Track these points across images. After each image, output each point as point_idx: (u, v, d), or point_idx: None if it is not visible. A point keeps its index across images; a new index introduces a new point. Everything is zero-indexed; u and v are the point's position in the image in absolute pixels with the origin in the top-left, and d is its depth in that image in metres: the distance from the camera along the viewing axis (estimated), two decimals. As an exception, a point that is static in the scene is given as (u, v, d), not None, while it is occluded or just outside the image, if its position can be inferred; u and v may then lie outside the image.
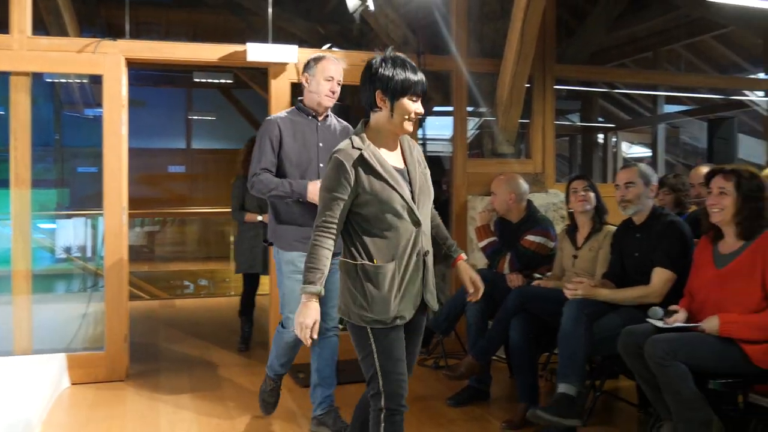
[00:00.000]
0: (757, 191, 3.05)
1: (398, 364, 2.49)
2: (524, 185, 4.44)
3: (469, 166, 5.35)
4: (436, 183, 6.52)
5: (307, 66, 3.54)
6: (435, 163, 7.78)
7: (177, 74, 12.80)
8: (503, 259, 4.27)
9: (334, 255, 2.49)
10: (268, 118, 3.56)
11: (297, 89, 4.93)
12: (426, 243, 2.55)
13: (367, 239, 2.46)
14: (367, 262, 2.45)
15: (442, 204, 6.04)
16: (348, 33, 8.67)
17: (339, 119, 3.73)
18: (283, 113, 3.59)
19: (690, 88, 8.94)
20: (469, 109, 5.45)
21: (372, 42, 7.59)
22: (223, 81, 11.34)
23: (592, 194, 4.01)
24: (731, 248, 3.10)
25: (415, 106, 2.47)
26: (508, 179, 4.43)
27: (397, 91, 2.42)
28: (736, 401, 3.13)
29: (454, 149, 5.36)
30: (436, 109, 8.37)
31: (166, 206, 13.56)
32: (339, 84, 3.55)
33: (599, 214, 4.02)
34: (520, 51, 4.94)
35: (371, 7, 5.08)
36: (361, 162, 2.43)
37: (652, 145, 9.68)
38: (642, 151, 12.37)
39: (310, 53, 5.03)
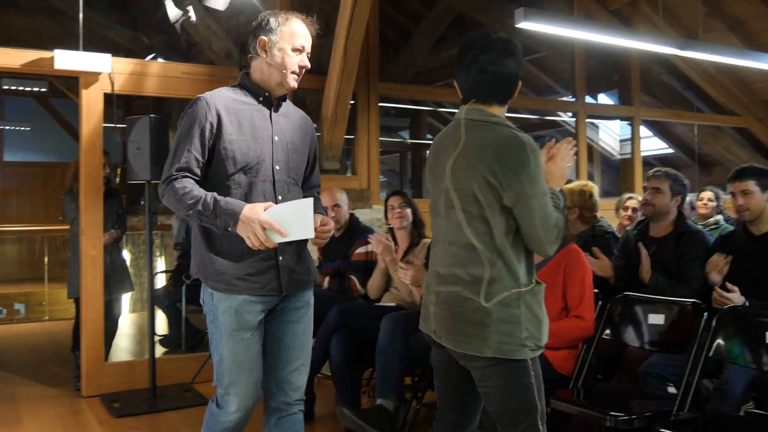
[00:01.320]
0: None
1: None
2: (344, 196, 4.51)
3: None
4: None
5: (265, 27, 2.41)
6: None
7: (-17, 80, 11.76)
8: (352, 282, 4.28)
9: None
10: (200, 96, 2.39)
11: (110, 100, 4.69)
12: None
13: (521, 256, 2.15)
14: (534, 285, 2.15)
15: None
16: (175, 44, 8.38)
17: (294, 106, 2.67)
18: (222, 91, 2.44)
19: (509, 108, 9.47)
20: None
21: (200, 54, 7.39)
22: (36, 89, 10.55)
23: (408, 210, 4.10)
24: (537, 259, 3.27)
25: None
26: (330, 192, 4.49)
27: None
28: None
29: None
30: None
31: (-26, 224, 12.39)
32: (308, 58, 2.49)
33: (417, 228, 4.13)
34: (343, 68, 4.98)
35: (193, 18, 4.93)
36: None
37: (477, 162, 10.16)
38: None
39: (127, 63, 4.85)
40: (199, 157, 2.33)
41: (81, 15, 4.85)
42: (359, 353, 3.86)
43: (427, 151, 10.94)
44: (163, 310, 5.93)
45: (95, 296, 4.63)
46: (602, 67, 7.86)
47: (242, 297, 2.33)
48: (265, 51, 2.40)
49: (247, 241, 2.21)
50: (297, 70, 2.42)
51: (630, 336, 3.12)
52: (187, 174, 2.30)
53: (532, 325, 2.11)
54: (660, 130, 9.25)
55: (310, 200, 2.19)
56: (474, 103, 2.21)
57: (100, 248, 4.68)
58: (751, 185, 3.30)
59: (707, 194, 5.46)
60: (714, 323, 2.82)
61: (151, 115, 4.37)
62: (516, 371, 2.10)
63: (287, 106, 2.53)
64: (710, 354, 2.80)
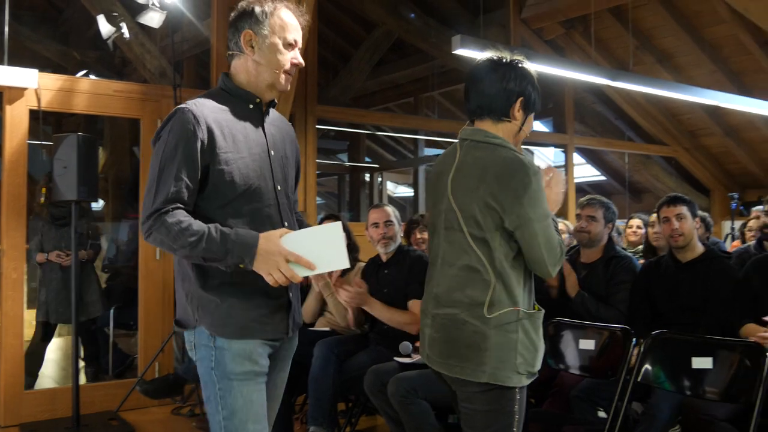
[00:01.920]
0: None
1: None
2: None
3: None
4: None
5: (250, 18, 2.03)
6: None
7: None
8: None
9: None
10: (182, 108, 1.95)
11: (37, 116, 4.53)
12: None
13: (521, 279, 2.09)
14: (533, 310, 2.09)
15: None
16: (108, 61, 8.19)
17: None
18: (204, 99, 2.02)
19: (446, 132, 9.60)
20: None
21: (134, 72, 7.23)
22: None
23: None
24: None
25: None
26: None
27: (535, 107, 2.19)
28: None
29: (214, 186, 5.19)
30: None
31: None
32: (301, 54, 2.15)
33: (351, 252, 4.08)
34: (281, 90, 4.93)
35: (126, 35, 4.81)
36: None
37: (414, 185, 10.22)
38: (406, 191, 13.01)
39: (55, 78, 4.69)
40: (191, 184, 1.91)
41: (6, 28, 4.69)
42: (291, 379, 3.77)
43: (366, 174, 10.95)
44: (87, 335, 5.71)
45: (15, 321, 4.42)
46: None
47: (255, 342, 1.98)
48: (252, 47, 2.01)
49: (268, 278, 1.88)
50: (290, 69, 2.06)
51: (561, 361, 3.14)
52: (179, 206, 1.89)
53: (527, 351, 2.05)
54: (592, 157, 9.49)
55: (338, 225, 1.92)
56: (477, 123, 2.17)
57: (22, 270, 4.49)
58: (685, 210, 3.40)
59: (636, 222, 5.59)
60: (642, 349, 2.86)
61: (79, 133, 4.24)
62: (504, 399, 2.05)
63: (273, 112, 2.15)
64: (639, 379, 2.83)
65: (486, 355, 2.02)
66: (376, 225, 3.75)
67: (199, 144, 1.91)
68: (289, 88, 2.11)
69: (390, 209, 3.79)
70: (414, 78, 8.67)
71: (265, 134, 2.07)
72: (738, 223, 6.24)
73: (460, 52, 4.54)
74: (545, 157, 10.71)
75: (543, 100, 7.91)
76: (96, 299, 5.15)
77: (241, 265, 1.87)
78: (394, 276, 3.69)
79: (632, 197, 9.68)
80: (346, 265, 1.92)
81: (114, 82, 4.99)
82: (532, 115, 2.19)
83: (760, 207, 5.58)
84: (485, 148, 2.09)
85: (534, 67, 5.02)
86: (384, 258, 3.77)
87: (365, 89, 8.84)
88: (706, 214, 4.87)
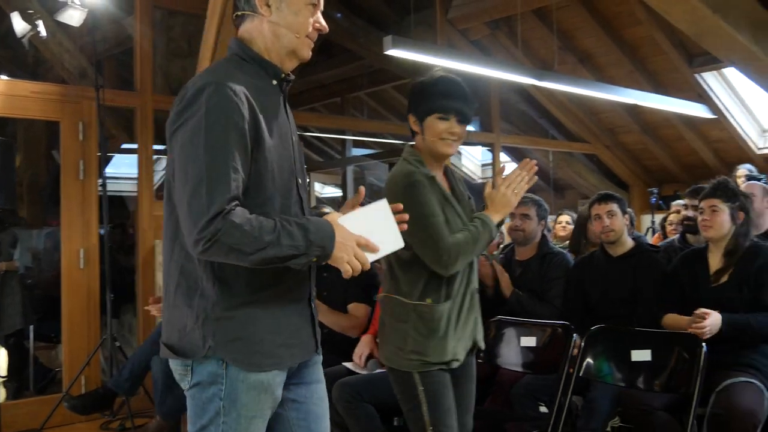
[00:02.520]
0: None
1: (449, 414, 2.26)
2: None
3: (157, 209, 5.05)
4: (120, 226, 6.12)
5: None
6: (119, 204, 7.28)
7: None
8: None
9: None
10: (217, 81, 1.61)
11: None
12: (475, 279, 2.38)
13: (420, 277, 2.25)
14: (422, 303, 2.25)
15: (127, 249, 5.66)
16: (22, 60, 7.81)
17: None
18: (231, 70, 1.69)
19: (374, 133, 9.59)
20: (159, 147, 5.18)
21: (49, 71, 6.92)
22: None
23: None
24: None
25: (449, 126, 2.29)
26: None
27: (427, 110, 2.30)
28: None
29: (140, 190, 5.03)
30: (124, 146, 7.88)
31: None
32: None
33: None
34: (208, 91, 4.80)
35: (43, 33, 4.59)
36: (432, 185, 2.26)
37: (342, 186, 10.18)
38: (333, 191, 12.95)
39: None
40: (245, 176, 1.60)
41: None
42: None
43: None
44: (6, 348, 5.44)
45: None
46: (464, 94, 8.11)
47: (274, 373, 1.68)
48: (268, 6, 1.72)
49: (345, 268, 1.64)
50: (312, 34, 1.78)
51: (503, 358, 3.17)
52: (239, 204, 1.57)
53: (419, 341, 2.21)
54: (517, 155, 9.66)
55: (385, 202, 1.76)
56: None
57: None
58: (615, 207, 3.49)
59: (565, 218, 5.72)
60: (583, 344, 2.92)
61: (-5, 137, 4.02)
62: (403, 382, 2.24)
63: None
64: (581, 374, 2.89)
65: (385, 341, 2.32)
66: None
67: (247, 127, 1.60)
68: (309, 57, 1.81)
69: (331, 212, 3.74)
70: (341, 78, 8.63)
71: (287, 114, 1.81)
72: (658, 217, 6.47)
73: (391, 52, 4.54)
74: (472, 156, 10.87)
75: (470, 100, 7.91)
76: (18, 311, 4.90)
77: (315, 259, 1.60)
78: (333, 279, 3.65)
79: (556, 194, 9.92)
80: (401, 244, 1.75)
81: (31, 82, 4.76)
82: (431, 118, 2.30)
83: (680, 201, 5.80)
84: (398, 163, 2.38)
85: (463, 67, 5.03)
86: (323, 260, 3.72)
87: (291, 89, 8.73)
88: (630, 210, 5.02)
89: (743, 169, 5.95)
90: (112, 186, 6.72)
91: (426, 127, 2.31)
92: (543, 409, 3.19)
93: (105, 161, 4.79)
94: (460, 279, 2.30)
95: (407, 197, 2.12)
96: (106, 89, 4.65)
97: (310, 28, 1.76)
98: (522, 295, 3.62)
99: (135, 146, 5.14)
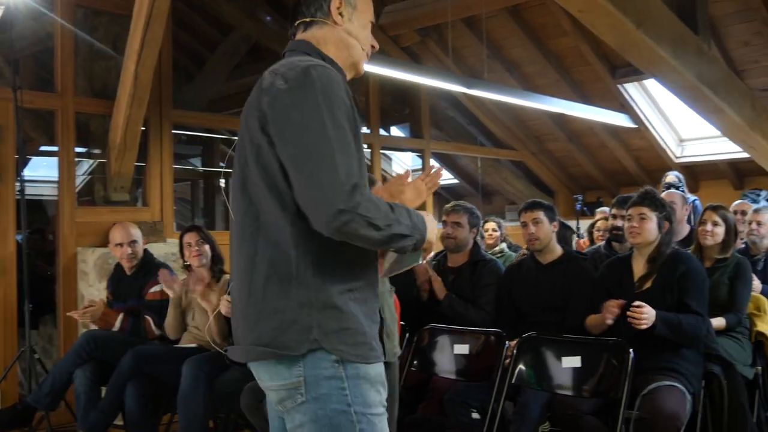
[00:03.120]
0: None
1: None
2: (139, 231, 4.24)
3: (78, 215, 4.86)
4: (39, 231, 5.87)
5: None
6: (38, 209, 6.97)
7: None
8: (147, 323, 3.96)
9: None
10: (321, 65, 1.62)
11: None
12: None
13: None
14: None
15: (48, 255, 5.43)
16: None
17: None
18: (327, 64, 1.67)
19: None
20: (80, 150, 5.00)
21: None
22: None
23: (206, 246, 3.91)
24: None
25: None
26: (125, 227, 4.20)
27: None
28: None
29: (61, 195, 4.84)
30: (42, 149, 7.57)
31: None
32: None
33: (216, 263, 3.94)
34: (134, 94, 4.66)
35: (-46, 30, 4.36)
36: None
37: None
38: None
39: None
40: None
41: None
42: (157, 400, 3.58)
43: (221, 180, 10.63)
44: None
45: None
46: (394, 101, 8.15)
47: (380, 364, 1.62)
48: (342, 16, 1.73)
49: (430, 252, 1.65)
50: (369, 52, 1.82)
51: (437, 366, 3.18)
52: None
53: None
54: (447, 161, 9.76)
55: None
56: None
57: None
58: (542, 215, 3.55)
59: (491, 225, 5.78)
60: (515, 351, 2.96)
61: None
62: None
63: None
64: (513, 381, 2.93)
65: None
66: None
67: (353, 113, 1.58)
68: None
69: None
70: (271, 82, 8.52)
71: None
72: (583, 223, 6.64)
73: (324, 58, 4.50)
74: (402, 162, 10.91)
75: (400, 107, 7.96)
76: None
77: (414, 242, 1.56)
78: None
79: (484, 199, 10.06)
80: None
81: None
82: None
83: (604, 208, 5.98)
84: None
85: (393, 73, 5.01)
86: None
87: (221, 92, 8.58)
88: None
89: (672, 176, 6.19)
90: (30, 190, 6.44)
91: None
92: (475, 415, 3.21)
93: (23, 164, 4.59)
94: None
95: None
96: (24, 90, 4.45)
97: (369, 47, 1.80)
98: (455, 299, 3.66)
99: (54, 149, 4.95)
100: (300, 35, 1.76)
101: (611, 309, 3.02)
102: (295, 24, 1.77)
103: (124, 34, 4.61)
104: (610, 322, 2.99)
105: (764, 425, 3.55)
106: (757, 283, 4.08)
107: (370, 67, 4.96)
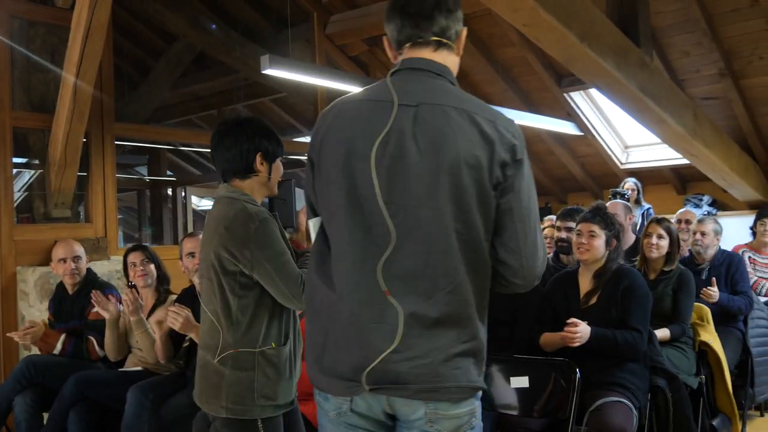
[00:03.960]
0: None
1: None
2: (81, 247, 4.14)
3: (17, 233, 4.70)
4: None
5: (457, 16, 1.70)
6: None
7: None
8: (90, 344, 3.84)
9: None
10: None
11: None
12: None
13: (261, 320, 2.24)
14: (268, 348, 2.24)
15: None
16: None
17: None
18: None
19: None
20: (18, 161, 4.84)
21: None
22: None
23: (151, 266, 3.82)
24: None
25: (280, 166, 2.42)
26: (69, 243, 4.12)
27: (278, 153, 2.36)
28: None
29: (-2, 213, 4.67)
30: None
31: None
32: None
33: (162, 283, 3.86)
34: (74, 108, 4.53)
35: None
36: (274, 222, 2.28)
37: (221, 200, 9.93)
38: (208, 205, 12.64)
39: None
40: None
41: None
42: (101, 428, 3.48)
43: (169, 189, 10.47)
44: None
45: None
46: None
47: None
48: (456, 46, 1.71)
49: None
50: None
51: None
52: None
53: (267, 386, 2.22)
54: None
55: None
56: (228, 181, 2.34)
57: None
58: None
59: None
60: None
61: None
62: (246, 430, 2.22)
63: None
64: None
65: (223, 392, 2.21)
66: (192, 254, 3.53)
67: None
68: None
69: None
70: (217, 91, 8.42)
71: None
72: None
73: (269, 71, 4.45)
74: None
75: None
76: None
77: None
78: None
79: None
80: None
81: None
82: (278, 161, 2.39)
83: (551, 216, 6.05)
84: (225, 202, 2.28)
85: (338, 86, 4.98)
86: (200, 288, 3.55)
87: (165, 101, 8.43)
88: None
89: (630, 183, 6.31)
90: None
91: (274, 169, 2.38)
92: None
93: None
94: (292, 319, 2.34)
95: (260, 237, 2.19)
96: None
97: None
98: None
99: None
100: (431, 54, 1.67)
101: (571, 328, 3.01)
102: (423, 34, 1.66)
103: (63, 45, 4.48)
104: (570, 338, 2.98)
105: (708, 433, 3.64)
106: (715, 291, 4.15)
107: (317, 81, 4.94)
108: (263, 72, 4.47)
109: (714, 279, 4.24)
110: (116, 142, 5.45)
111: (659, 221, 3.90)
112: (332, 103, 1.75)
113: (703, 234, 4.44)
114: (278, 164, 2.39)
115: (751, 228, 5.36)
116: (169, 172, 10.62)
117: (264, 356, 2.22)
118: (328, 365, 1.59)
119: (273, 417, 2.25)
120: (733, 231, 5.61)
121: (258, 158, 2.31)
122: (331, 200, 1.61)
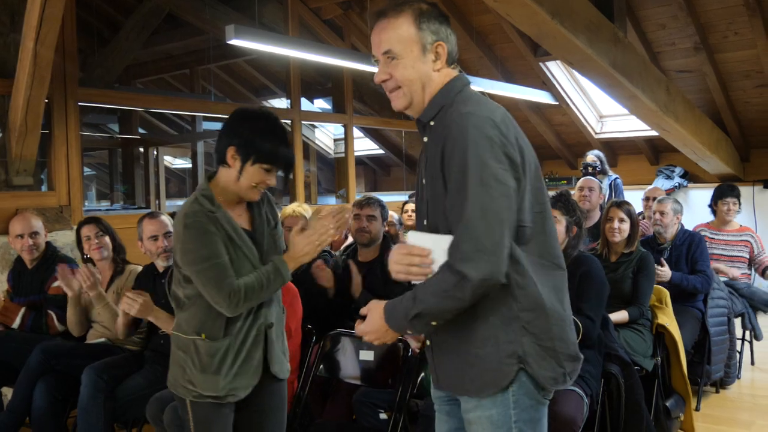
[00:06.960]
0: None
1: None
2: (40, 221, 4.05)
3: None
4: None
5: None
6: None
7: None
8: (50, 318, 3.80)
9: None
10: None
11: None
12: (269, 314, 2.35)
13: (202, 311, 2.27)
14: (198, 338, 2.26)
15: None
16: None
17: None
18: None
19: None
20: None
21: None
22: None
23: (106, 238, 3.78)
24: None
25: (268, 177, 2.26)
26: (25, 217, 4.03)
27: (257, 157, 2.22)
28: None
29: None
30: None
31: None
32: None
33: (118, 253, 3.82)
34: (34, 73, 4.41)
35: None
36: (216, 226, 2.21)
37: (193, 159, 9.85)
38: (184, 163, 12.50)
39: None
40: None
41: None
42: (68, 396, 3.44)
43: (140, 148, 10.31)
44: None
45: None
46: (317, 74, 8.00)
47: None
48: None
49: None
50: None
51: (342, 371, 3.17)
52: None
53: (192, 373, 2.27)
54: (371, 132, 9.70)
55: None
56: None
57: None
58: (378, 213, 3.71)
59: (411, 206, 5.74)
60: (418, 359, 2.97)
61: None
62: (181, 408, 2.34)
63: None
64: (414, 390, 2.94)
65: (170, 367, 2.37)
66: (155, 238, 3.44)
67: None
68: None
69: (168, 220, 3.53)
70: (190, 50, 8.24)
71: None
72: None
73: (234, 42, 4.33)
74: (326, 130, 10.78)
75: (323, 79, 7.75)
76: None
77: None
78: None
79: (409, 169, 10.08)
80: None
81: None
82: (256, 166, 2.23)
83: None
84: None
85: (310, 56, 4.80)
86: (161, 268, 3.52)
87: (138, 59, 8.25)
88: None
89: (592, 156, 6.29)
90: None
91: (246, 171, 2.24)
92: (383, 415, 3.23)
93: None
94: (245, 316, 2.30)
95: (187, 239, 2.20)
96: None
97: None
98: (370, 297, 3.61)
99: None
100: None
101: None
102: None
103: (23, 6, 4.33)
104: None
105: (662, 414, 3.70)
106: (666, 271, 4.20)
107: (286, 51, 4.81)
108: (228, 42, 4.35)
109: (663, 259, 4.28)
110: (83, 104, 5.33)
111: (619, 205, 3.89)
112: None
113: (662, 214, 4.45)
114: (254, 169, 2.22)
115: (710, 206, 5.25)
116: (140, 129, 10.44)
117: (195, 344, 2.27)
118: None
119: (200, 402, 2.27)
120: (704, 202, 5.52)
121: (230, 151, 2.23)
122: (545, 199, 1.89)
